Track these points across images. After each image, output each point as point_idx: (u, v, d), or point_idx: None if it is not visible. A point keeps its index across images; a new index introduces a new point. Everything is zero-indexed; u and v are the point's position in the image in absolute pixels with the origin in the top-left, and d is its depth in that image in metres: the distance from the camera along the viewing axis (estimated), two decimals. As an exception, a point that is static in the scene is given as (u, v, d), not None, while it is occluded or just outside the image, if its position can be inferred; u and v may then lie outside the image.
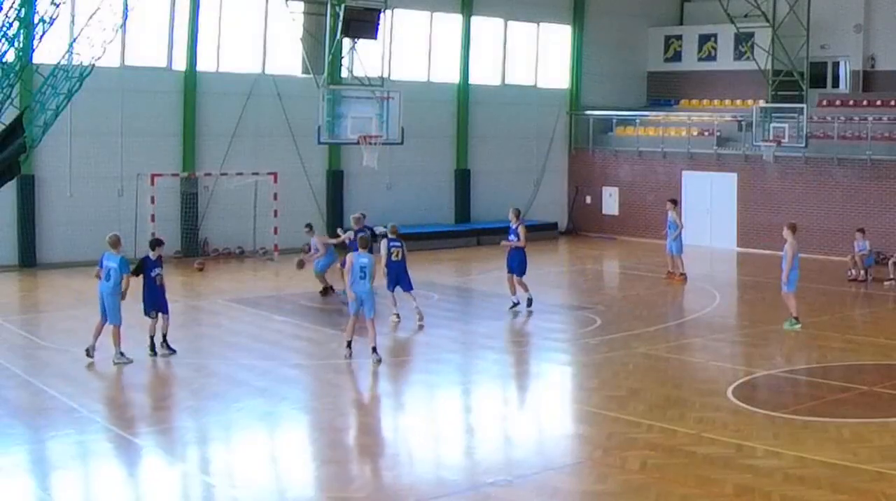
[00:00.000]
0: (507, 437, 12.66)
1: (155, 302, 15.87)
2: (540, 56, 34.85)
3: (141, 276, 15.87)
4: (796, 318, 18.45)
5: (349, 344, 15.85)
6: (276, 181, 28.08)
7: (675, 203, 25.30)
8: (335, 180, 30.55)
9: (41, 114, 17.86)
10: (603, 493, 10.12)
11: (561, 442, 12.26)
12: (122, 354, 15.34)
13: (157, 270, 15.97)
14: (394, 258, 18.80)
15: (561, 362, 16.58)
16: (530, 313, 19.75)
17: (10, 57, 16.16)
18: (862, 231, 24.96)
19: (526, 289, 20.02)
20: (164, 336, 15.97)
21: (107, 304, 15.31)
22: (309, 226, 22.79)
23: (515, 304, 20.03)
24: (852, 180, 28.96)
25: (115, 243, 15.55)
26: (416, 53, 31.98)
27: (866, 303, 22.45)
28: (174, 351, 15.94)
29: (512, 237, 20.03)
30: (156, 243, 16.36)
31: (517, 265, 20.01)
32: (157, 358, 15.74)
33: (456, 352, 17.21)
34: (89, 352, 15.41)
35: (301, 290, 22.29)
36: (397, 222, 30.36)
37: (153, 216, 26.14)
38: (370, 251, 16.16)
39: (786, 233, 18.55)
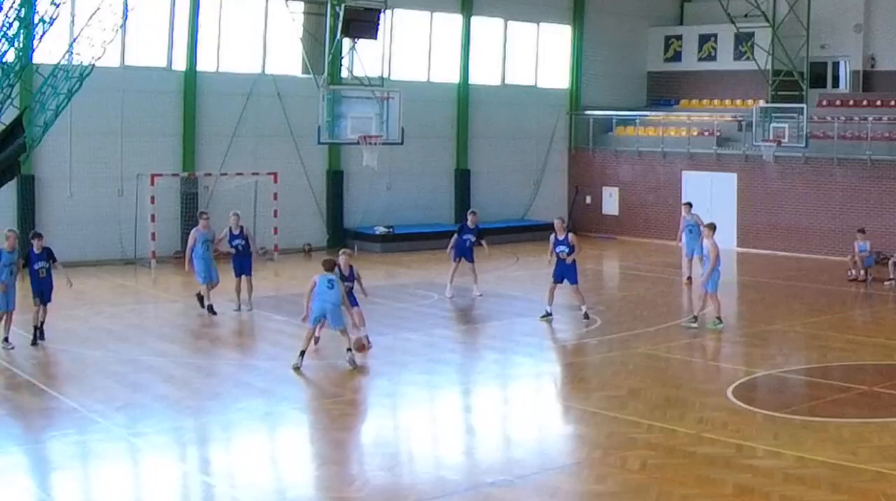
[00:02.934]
0: (507, 437, 12.67)
1: (37, 292, 16.90)
2: (540, 56, 34.86)
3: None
4: (718, 318, 18.31)
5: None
6: (276, 181, 28.08)
7: (691, 205, 24.55)
8: (335, 180, 30.55)
9: (41, 114, 17.90)
10: (603, 493, 10.12)
11: (561, 442, 12.26)
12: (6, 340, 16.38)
13: (41, 263, 16.87)
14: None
15: (561, 362, 16.58)
16: (588, 322, 18.89)
17: (10, 57, 16.19)
18: (863, 231, 24.96)
19: (583, 301, 19.15)
20: (42, 323, 16.88)
21: None
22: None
23: (549, 314, 19.16)
24: (852, 180, 28.96)
25: None
26: (416, 53, 31.99)
27: (866, 303, 22.45)
28: (42, 340, 16.82)
29: (563, 248, 18.86)
30: (35, 236, 17.21)
31: (574, 273, 19.00)
32: (39, 345, 16.64)
33: (456, 352, 17.21)
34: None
35: (301, 290, 22.27)
36: (397, 222, 30.79)
37: (153, 216, 26.15)
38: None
39: (705, 232, 18.39)
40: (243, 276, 19.99)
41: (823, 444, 11.43)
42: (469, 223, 21.87)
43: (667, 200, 32.66)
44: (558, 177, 35.67)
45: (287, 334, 18.61)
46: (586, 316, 19.05)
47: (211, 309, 19.50)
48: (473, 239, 21.68)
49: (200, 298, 19.63)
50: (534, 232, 30.91)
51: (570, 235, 19.07)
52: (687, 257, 24.30)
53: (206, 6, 27.69)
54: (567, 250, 18.87)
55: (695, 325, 18.25)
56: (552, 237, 19.19)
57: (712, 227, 18.41)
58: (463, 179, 33.26)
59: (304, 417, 13.39)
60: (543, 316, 19.15)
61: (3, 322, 16.47)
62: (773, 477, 10.39)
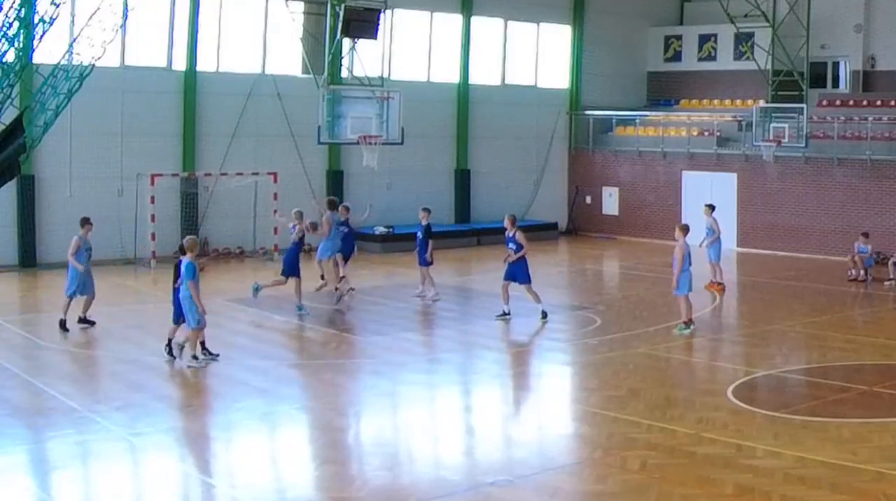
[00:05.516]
0: (507, 437, 12.67)
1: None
2: (540, 56, 34.86)
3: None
4: (685, 323, 18.01)
5: None
6: (276, 181, 28.07)
7: (712, 208, 23.45)
8: (335, 180, 30.54)
9: (41, 114, 17.87)
10: (603, 493, 10.12)
11: (561, 442, 12.26)
12: (193, 357, 15.37)
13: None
14: None
15: (561, 362, 16.58)
16: (545, 323, 18.83)
17: (10, 57, 16.16)
18: (866, 235, 24.84)
19: (538, 300, 18.97)
20: (175, 339, 15.66)
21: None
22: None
23: (506, 314, 19.03)
24: (852, 180, 28.96)
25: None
26: (416, 53, 31.98)
27: (866, 303, 22.45)
28: (180, 357, 15.63)
29: (512, 246, 18.92)
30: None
31: (522, 273, 18.91)
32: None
33: (456, 352, 17.21)
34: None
35: (302, 291, 22.26)
36: (397, 222, 30.78)
37: (153, 216, 26.14)
38: None
39: (677, 234, 18.12)
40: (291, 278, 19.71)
41: (823, 444, 11.43)
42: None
43: (667, 200, 32.68)
44: (558, 177, 35.67)
45: (286, 334, 18.62)
46: (544, 314, 18.90)
47: (62, 325, 17.58)
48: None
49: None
50: (534, 232, 30.85)
51: (518, 233, 18.90)
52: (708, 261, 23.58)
53: (206, 6, 27.68)
54: (515, 248, 18.82)
55: (687, 331, 18.10)
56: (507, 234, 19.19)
57: (684, 230, 18.12)
58: (463, 179, 33.26)
59: (303, 417, 13.39)
60: (500, 316, 18.99)
61: (195, 340, 15.44)
62: (773, 477, 10.39)
